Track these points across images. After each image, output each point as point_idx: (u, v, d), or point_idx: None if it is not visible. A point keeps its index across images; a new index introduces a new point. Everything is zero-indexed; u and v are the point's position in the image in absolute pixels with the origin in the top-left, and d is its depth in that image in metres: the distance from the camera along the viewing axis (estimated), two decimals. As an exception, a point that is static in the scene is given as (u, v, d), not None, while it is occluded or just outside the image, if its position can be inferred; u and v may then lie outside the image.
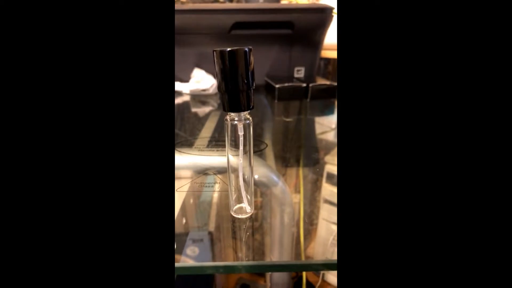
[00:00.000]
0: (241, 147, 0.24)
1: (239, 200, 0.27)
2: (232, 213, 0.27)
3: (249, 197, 0.27)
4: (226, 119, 0.23)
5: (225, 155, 0.25)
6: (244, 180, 0.26)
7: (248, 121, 0.23)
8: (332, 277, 0.88)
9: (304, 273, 0.84)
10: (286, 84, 0.65)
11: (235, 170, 0.25)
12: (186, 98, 0.73)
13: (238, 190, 0.26)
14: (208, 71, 0.74)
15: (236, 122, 0.23)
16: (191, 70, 0.75)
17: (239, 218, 0.27)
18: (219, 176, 0.35)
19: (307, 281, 0.87)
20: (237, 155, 0.24)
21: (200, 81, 0.73)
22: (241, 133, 0.23)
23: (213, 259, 0.23)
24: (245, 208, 0.27)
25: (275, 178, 0.36)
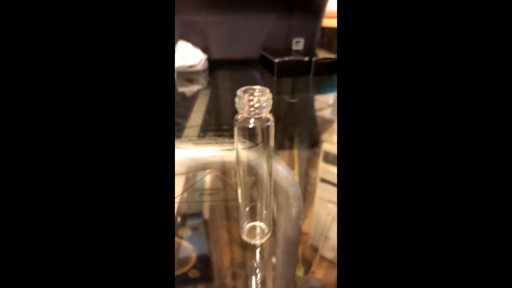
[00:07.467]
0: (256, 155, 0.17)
1: (251, 217, 0.21)
2: (244, 237, 0.21)
3: (266, 212, 0.21)
4: (236, 120, 0.16)
5: (226, 149, 0.18)
6: (263, 193, 0.19)
7: (268, 123, 0.16)
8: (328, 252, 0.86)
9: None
10: (286, 58, 0.58)
11: (249, 183, 0.19)
12: (172, 75, 0.64)
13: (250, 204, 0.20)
14: (195, 43, 0.65)
15: (252, 124, 0.16)
16: (175, 43, 0.65)
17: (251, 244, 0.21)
18: (225, 179, 0.28)
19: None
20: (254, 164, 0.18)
21: (186, 56, 0.64)
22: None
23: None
24: (260, 228, 0.21)
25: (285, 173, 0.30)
